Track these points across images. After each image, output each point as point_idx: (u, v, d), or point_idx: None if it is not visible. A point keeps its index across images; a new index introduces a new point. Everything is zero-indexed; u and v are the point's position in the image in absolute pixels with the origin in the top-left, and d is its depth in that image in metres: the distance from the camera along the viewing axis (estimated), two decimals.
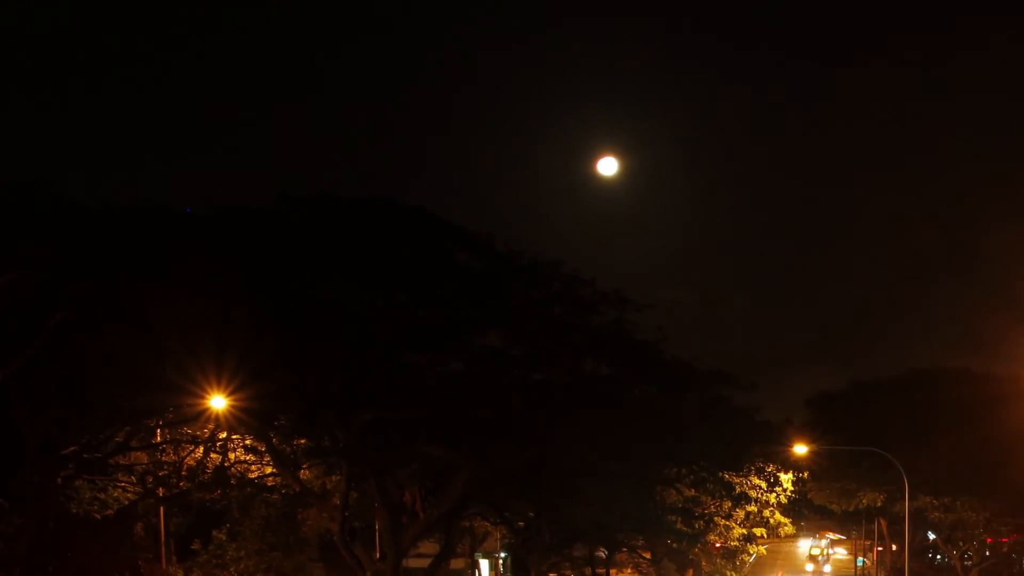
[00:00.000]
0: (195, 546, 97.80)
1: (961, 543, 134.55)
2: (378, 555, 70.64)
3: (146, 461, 76.75)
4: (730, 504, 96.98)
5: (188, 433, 74.20)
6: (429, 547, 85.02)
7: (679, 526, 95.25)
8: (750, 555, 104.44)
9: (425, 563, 77.61)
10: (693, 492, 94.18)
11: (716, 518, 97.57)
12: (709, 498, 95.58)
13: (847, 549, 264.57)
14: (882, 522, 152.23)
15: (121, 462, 73.71)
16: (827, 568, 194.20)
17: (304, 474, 75.77)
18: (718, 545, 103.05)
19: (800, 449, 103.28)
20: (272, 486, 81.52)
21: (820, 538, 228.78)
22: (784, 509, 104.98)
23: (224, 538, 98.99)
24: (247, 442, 74.48)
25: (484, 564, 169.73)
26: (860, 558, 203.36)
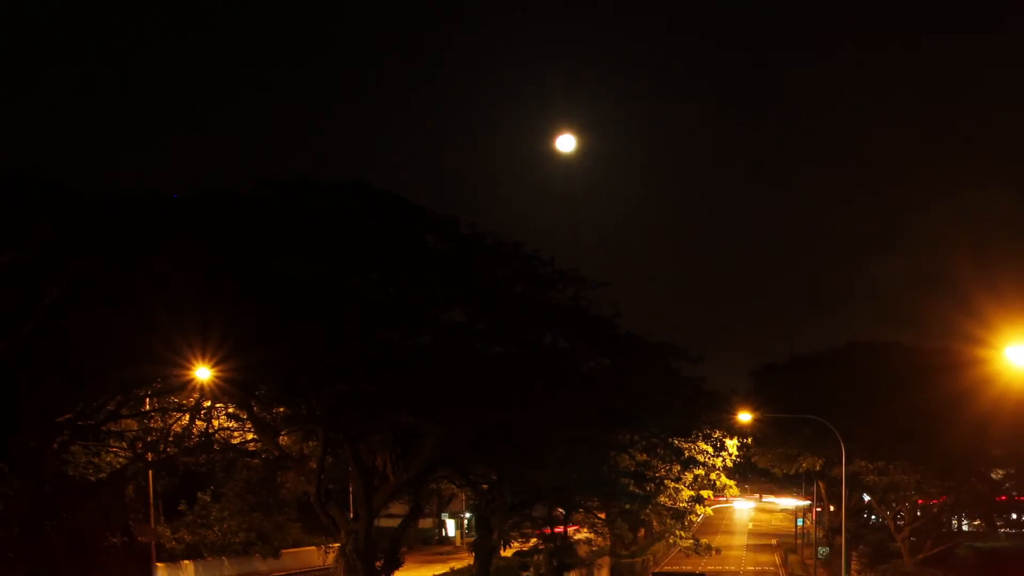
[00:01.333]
0: (181, 507, 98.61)
1: (894, 504, 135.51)
2: (352, 515, 70.92)
3: (136, 428, 77.21)
4: (679, 468, 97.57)
5: (175, 402, 74.65)
6: (399, 508, 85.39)
7: (632, 488, 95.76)
8: (698, 515, 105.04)
9: (395, 523, 78.05)
10: (645, 457, 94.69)
11: (666, 481, 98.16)
12: (660, 462, 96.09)
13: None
14: (821, 485, 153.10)
15: (113, 429, 74.19)
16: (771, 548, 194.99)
17: (283, 440, 76.24)
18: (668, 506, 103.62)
19: (744, 417, 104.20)
20: (253, 451, 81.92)
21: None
22: (729, 472, 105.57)
23: (208, 499, 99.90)
24: (230, 410, 74.85)
25: (450, 523, 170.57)
26: (800, 518, 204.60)
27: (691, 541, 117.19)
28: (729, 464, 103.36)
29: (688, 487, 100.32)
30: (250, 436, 78.09)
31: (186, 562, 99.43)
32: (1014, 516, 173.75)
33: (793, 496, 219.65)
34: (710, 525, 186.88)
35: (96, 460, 78.02)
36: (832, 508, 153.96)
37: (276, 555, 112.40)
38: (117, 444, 77.66)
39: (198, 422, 77.24)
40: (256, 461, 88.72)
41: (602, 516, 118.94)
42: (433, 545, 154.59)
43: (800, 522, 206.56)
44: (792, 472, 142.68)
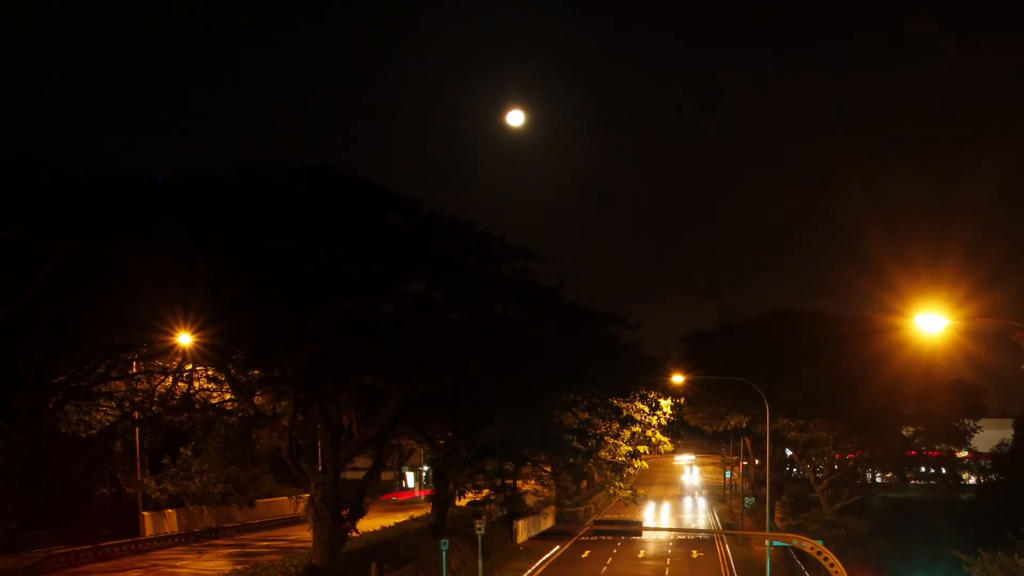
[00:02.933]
0: (165, 461, 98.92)
1: (814, 458, 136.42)
2: (320, 468, 71.36)
3: (124, 389, 77.58)
4: (618, 425, 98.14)
5: (159, 365, 75.03)
6: (363, 462, 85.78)
7: (575, 444, 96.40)
8: (635, 468, 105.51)
9: (360, 475, 78.40)
10: (587, 415, 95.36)
11: (606, 437, 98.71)
12: (600, 420, 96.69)
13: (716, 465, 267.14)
14: (747, 441, 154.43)
15: (103, 389, 74.63)
16: (701, 506, 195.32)
17: (258, 400, 76.58)
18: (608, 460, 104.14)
19: (677, 379, 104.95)
20: (230, 410, 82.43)
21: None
22: (663, 430, 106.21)
23: (190, 454, 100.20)
24: (209, 373, 75.28)
25: (410, 476, 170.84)
26: (728, 471, 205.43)
27: (629, 492, 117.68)
28: (663, 422, 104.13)
29: (626, 443, 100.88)
30: (227, 396, 78.51)
31: (169, 511, 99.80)
32: (923, 469, 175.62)
33: (721, 452, 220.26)
34: (646, 477, 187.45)
35: (87, 418, 78.40)
36: (757, 462, 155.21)
37: (251, 504, 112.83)
38: (107, 403, 78.15)
39: (180, 383, 77.71)
40: (233, 419, 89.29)
41: (548, 469, 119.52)
42: (395, 494, 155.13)
43: (728, 475, 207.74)
44: (721, 429, 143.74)
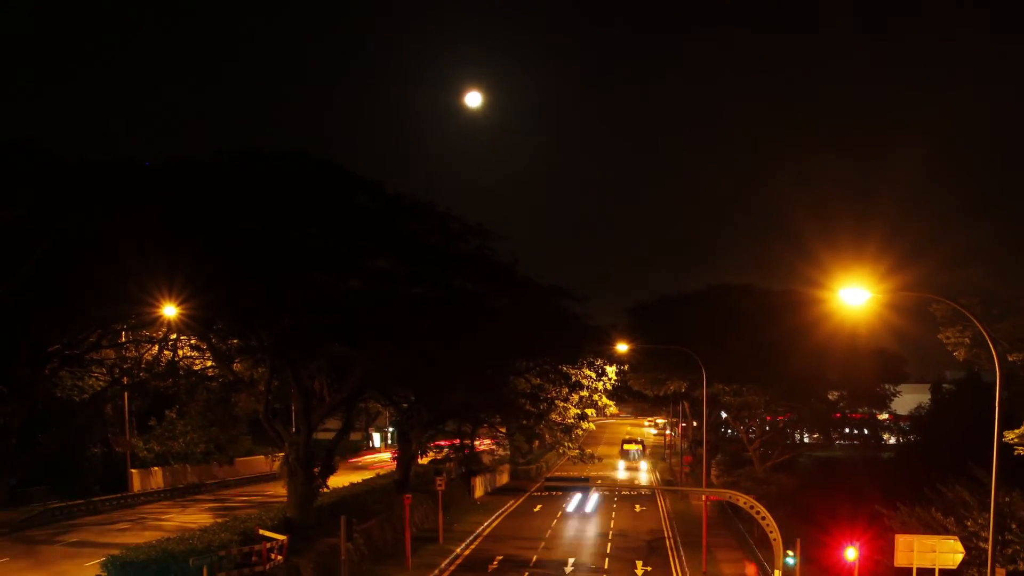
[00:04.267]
0: (151, 422, 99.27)
1: (747, 420, 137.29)
2: (294, 430, 71.85)
3: (114, 356, 77.88)
4: (567, 390, 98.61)
5: (146, 335, 75.35)
6: (333, 423, 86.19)
7: (528, 407, 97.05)
8: (582, 429, 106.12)
9: (330, 436, 78.84)
10: (538, 381, 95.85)
11: (556, 401, 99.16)
12: (551, 386, 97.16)
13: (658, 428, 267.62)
14: (685, 404, 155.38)
15: (94, 357, 74.93)
16: (643, 465, 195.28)
17: (237, 367, 76.87)
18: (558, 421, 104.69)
19: (622, 347, 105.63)
20: (212, 376, 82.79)
21: (633, 439, 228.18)
22: (609, 394, 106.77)
23: (174, 416, 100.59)
24: (192, 342, 75.69)
25: (376, 436, 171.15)
26: (667, 432, 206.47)
27: (578, 451, 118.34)
28: (609, 387, 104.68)
29: (575, 406, 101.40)
30: (209, 363, 78.86)
31: (155, 468, 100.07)
32: (847, 430, 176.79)
33: (662, 415, 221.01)
34: (593, 437, 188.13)
35: (80, 384, 78.67)
36: (695, 424, 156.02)
37: (231, 462, 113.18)
38: (98, 370, 78.44)
39: (166, 352, 78.09)
40: (214, 384, 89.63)
41: (503, 430, 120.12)
42: (362, 454, 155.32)
43: (668, 435, 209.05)
44: (662, 394, 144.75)
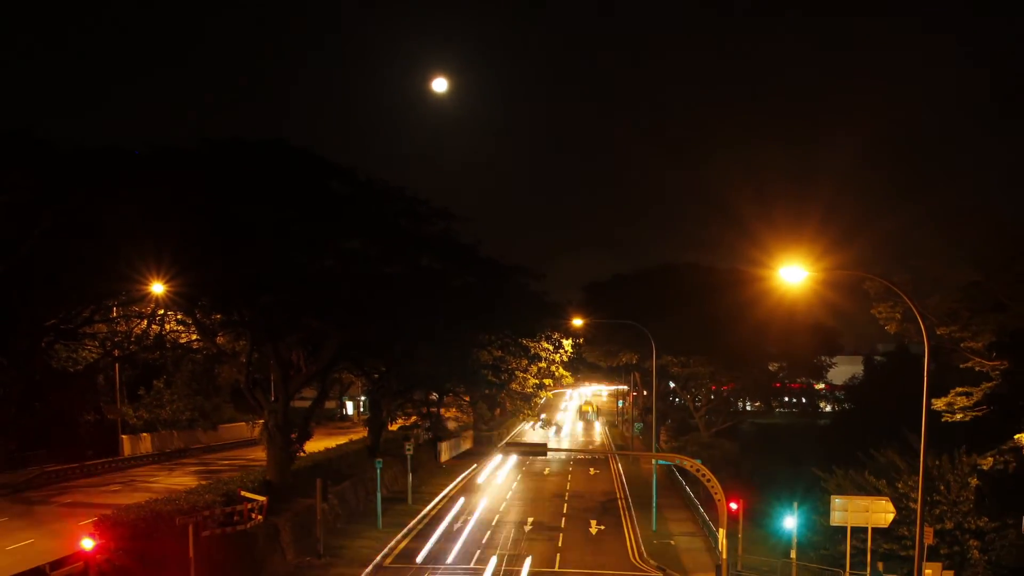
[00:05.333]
0: (141, 392, 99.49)
1: (693, 390, 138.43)
2: (273, 398, 72.20)
3: (105, 330, 78.06)
4: (526, 362, 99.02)
5: (136, 310, 75.49)
6: (309, 392, 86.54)
7: (490, 378, 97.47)
8: (540, 398, 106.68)
9: (307, 404, 79.21)
10: (500, 353, 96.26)
11: (516, 372, 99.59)
12: (511, 358, 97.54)
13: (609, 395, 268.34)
14: (636, 375, 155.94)
15: (88, 331, 75.12)
16: (597, 427, 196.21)
17: (220, 340, 77.17)
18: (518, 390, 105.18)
19: (577, 322, 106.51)
20: (196, 349, 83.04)
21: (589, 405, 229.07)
22: (565, 365, 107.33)
23: (162, 386, 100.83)
24: (178, 317, 75.78)
25: (349, 404, 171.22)
26: (620, 400, 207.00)
27: (536, 418, 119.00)
28: (565, 359, 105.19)
29: (533, 377, 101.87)
30: (194, 337, 79.07)
31: (144, 434, 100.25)
32: (786, 399, 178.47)
33: (615, 384, 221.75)
34: (551, 405, 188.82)
35: (74, 356, 78.91)
36: (645, 393, 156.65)
37: (214, 429, 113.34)
38: (91, 343, 78.64)
39: (154, 326, 78.27)
40: (199, 356, 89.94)
41: (467, 399, 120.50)
42: (336, 421, 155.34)
43: (620, 403, 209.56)
44: (614, 365, 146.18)
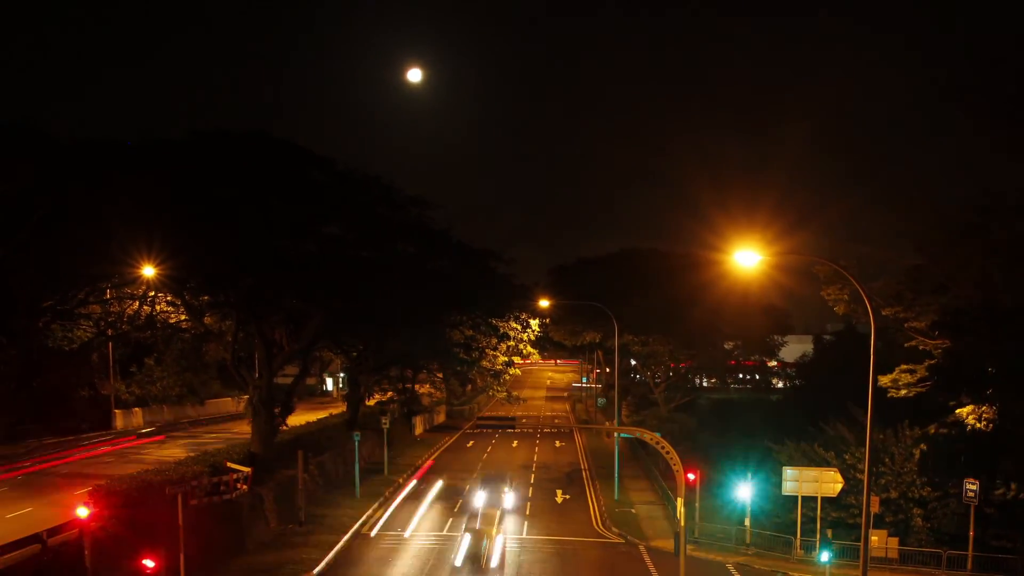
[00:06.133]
0: (132, 368, 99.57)
1: (653, 367, 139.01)
2: (257, 375, 72.48)
3: (99, 311, 78.21)
4: (496, 340, 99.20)
5: (128, 292, 75.56)
6: (291, 369, 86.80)
7: (461, 356, 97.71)
8: (509, 375, 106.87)
9: (289, 380, 79.52)
10: (471, 332, 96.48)
11: (486, 350, 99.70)
12: (482, 336, 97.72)
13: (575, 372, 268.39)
14: (599, 353, 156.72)
15: (83, 312, 75.30)
16: (563, 404, 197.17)
17: (207, 320, 77.30)
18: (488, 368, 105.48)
19: (544, 303, 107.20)
20: (185, 328, 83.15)
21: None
22: (532, 344, 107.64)
23: (152, 363, 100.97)
24: (168, 298, 75.94)
25: (329, 381, 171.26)
26: (584, 376, 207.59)
27: (505, 394, 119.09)
28: (532, 338, 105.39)
29: (503, 354, 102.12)
30: (183, 317, 79.21)
31: (136, 409, 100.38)
32: (740, 376, 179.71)
33: (580, 361, 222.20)
34: (519, 382, 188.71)
35: (70, 335, 78.92)
36: (608, 370, 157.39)
37: (202, 403, 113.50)
38: (86, 323, 78.73)
39: (145, 307, 78.44)
40: (187, 335, 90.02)
41: (439, 375, 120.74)
42: (317, 397, 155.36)
43: (584, 380, 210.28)
44: (579, 343, 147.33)
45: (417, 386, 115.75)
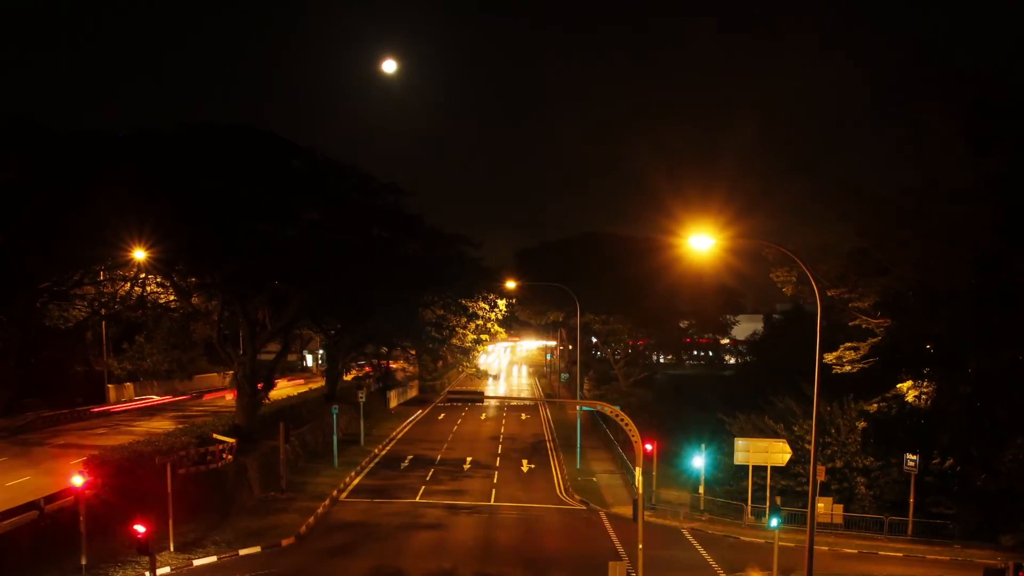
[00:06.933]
0: (124, 346, 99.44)
1: (613, 344, 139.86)
2: (241, 351, 72.79)
3: (93, 292, 78.03)
4: (465, 319, 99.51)
5: (120, 274, 75.43)
6: (274, 347, 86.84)
7: (433, 334, 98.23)
8: (478, 351, 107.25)
9: (271, 357, 79.63)
10: (442, 312, 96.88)
11: (457, 328, 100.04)
12: (452, 316, 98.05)
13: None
14: (563, 331, 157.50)
15: (77, 292, 75.18)
16: (527, 379, 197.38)
17: (195, 300, 77.52)
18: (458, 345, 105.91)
19: (510, 284, 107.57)
20: (174, 308, 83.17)
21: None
22: (500, 323, 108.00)
23: (143, 341, 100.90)
24: (158, 279, 75.81)
25: (309, 357, 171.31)
26: (548, 354, 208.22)
27: (474, 369, 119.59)
28: (499, 317, 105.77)
29: (472, 333, 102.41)
30: (172, 297, 79.17)
31: (128, 383, 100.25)
32: (695, 352, 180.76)
33: (544, 339, 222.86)
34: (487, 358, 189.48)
35: (66, 314, 78.80)
36: (571, 347, 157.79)
37: (189, 379, 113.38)
38: (80, 303, 78.62)
39: (136, 288, 78.36)
40: (176, 315, 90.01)
41: (413, 352, 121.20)
42: (297, 372, 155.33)
43: (549, 356, 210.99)
44: (543, 322, 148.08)
45: (392, 362, 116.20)
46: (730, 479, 67.25)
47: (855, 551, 56.61)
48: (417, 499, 66.05)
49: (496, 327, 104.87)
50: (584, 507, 65.83)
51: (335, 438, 79.08)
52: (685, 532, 59.18)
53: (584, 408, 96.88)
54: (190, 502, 52.48)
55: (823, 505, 61.82)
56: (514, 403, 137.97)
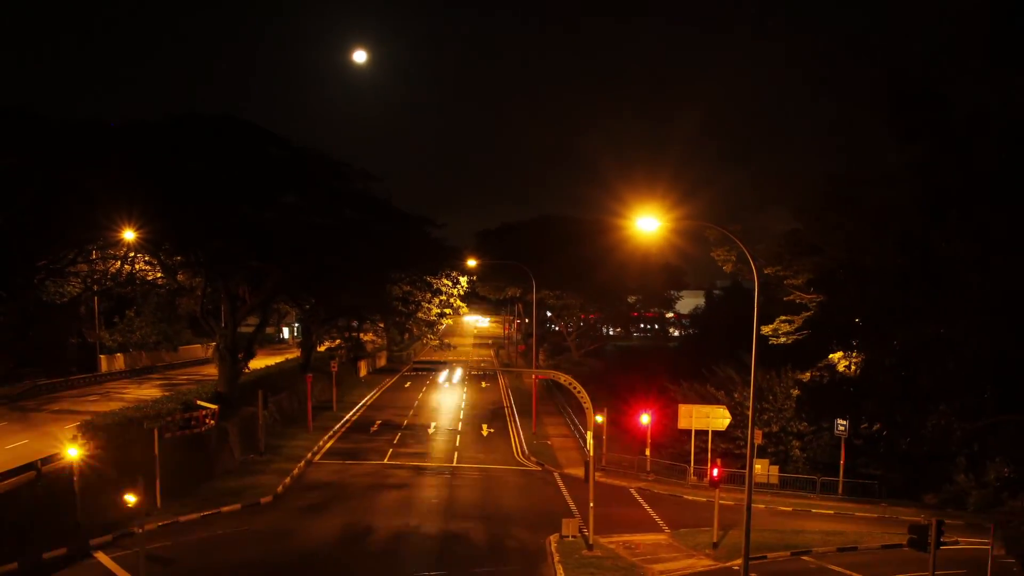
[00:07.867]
0: (115, 319, 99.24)
1: (566, 318, 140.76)
2: (223, 324, 72.71)
3: (86, 269, 77.79)
4: (430, 295, 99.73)
5: (111, 253, 75.29)
6: (253, 320, 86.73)
7: (400, 308, 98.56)
8: (441, 324, 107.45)
9: (251, 330, 79.65)
10: (408, 288, 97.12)
11: (422, 303, 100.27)
12: (418, 291, 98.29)
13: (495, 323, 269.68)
14: (519, 306, 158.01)
15: (72, 270, 75.01)
16: (488, 351, 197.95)
17: (180, 277, 77.52)
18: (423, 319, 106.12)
19: (471, 262, 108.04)
20: (161, 284, 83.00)
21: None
22: (461, 298, 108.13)
23: (132, 315, 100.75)
24: (146, 258, 75.69)
25: (285, 330, 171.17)
26: (506, 327, 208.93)
27: (438, 341, 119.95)
28: (461, 292, 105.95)
29: (436, 307, 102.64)
30: (159, 275, 79.08)
31: (118, 354, 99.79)
32: (642, 326, 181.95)
33: (503, 313, 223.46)
34: (450, 331, 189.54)
35: (61, 290, 78.62)
36: (527, 320, 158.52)
37: (175, 350, 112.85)
38: (74, 280, 78.44)
39: (126, 266, 78.23)
40: (163, 290, 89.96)
41: (381, 325, 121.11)
42: (275, 344, 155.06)
43: (506, 329, 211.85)
44: (502, 298, 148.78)
45: (362, 334, 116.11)
46: (674, 443, 68.33)
47: (790, 509, 57.85)
48: (385, 461, 66.79)
49: (458, 302, 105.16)
50: (540, 468, 66.75)
51: (309, 404, 79.96)
52: (633, 491, 60.15)
53: (540, 377, 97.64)
54: (176, 463, 53.00)
55: (760, 467, 62.93)
56: (475, 372, 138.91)
